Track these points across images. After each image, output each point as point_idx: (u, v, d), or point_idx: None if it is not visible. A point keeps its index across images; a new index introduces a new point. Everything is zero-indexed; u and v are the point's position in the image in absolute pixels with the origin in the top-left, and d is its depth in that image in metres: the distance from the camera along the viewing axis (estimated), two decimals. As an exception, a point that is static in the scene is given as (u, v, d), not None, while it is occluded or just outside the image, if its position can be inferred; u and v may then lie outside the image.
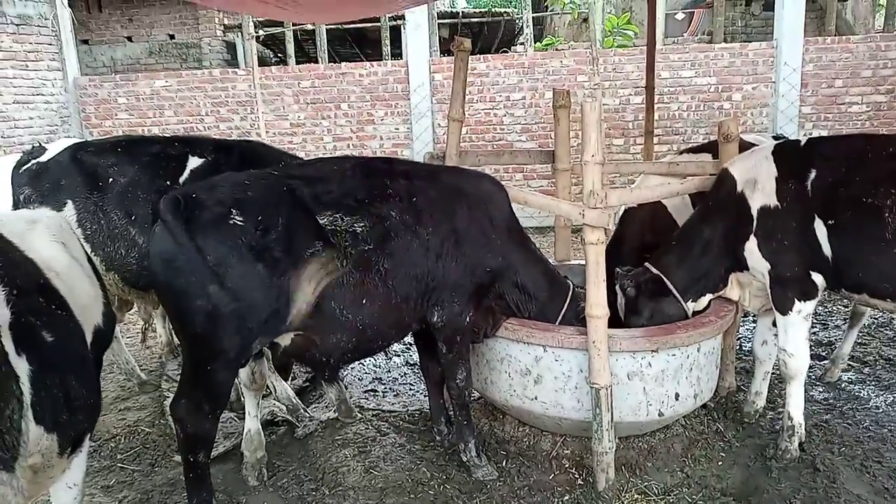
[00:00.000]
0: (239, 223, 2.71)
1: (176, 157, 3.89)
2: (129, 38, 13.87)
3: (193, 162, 3.88)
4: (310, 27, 13.12)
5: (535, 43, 13.05)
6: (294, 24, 12.46)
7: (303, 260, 2.78)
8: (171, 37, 13.80)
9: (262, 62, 12.96)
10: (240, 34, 12.77)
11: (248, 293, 2.69)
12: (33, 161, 3.90)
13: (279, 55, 15.01)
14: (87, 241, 3.74)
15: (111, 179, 3.80)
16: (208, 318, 2.67)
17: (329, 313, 2.90)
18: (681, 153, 5.16)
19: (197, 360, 2.80)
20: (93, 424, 2.42)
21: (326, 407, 4.33)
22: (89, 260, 2.66)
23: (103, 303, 2.57)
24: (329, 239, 2.86)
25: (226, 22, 13.90)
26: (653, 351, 3.37)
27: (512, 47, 15.61)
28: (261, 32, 11.81)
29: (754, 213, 3.46)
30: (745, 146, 4.03)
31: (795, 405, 3.55)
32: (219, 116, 10.52)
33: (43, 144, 4.11)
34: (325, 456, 3.74)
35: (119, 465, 3.75)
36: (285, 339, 2.97)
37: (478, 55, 10.55)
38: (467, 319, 3.34)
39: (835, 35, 12.46)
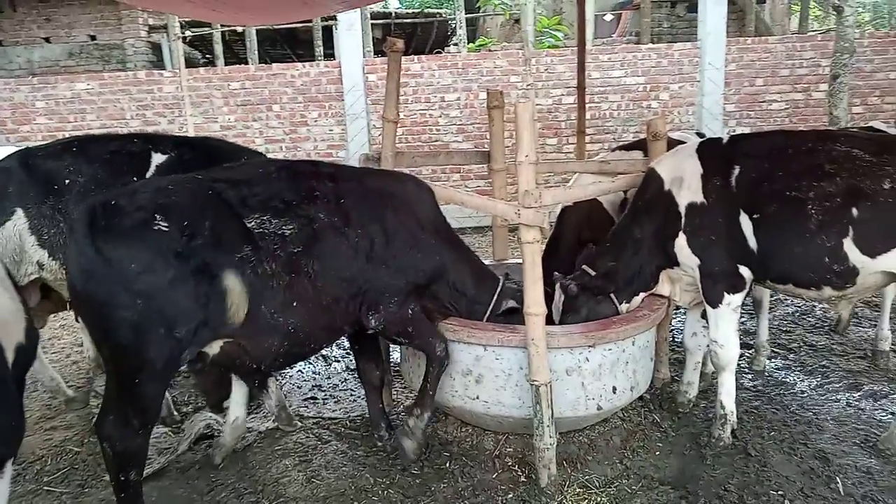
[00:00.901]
0: (163, 229, 2.61)
1: (138, 154, 3.79)
2: (47, 40, 13.29)
3: (157, 158, 3.79)
4: (239, 28, 12.85)
5: (468, 44, 13.13)
6: (222, 25, 12.18)
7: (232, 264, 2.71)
8: (93, 38, 13.28)
9: (190, 63, 12.61)
10: (165, 35, 12.40)
11: (175, 301, 2.60)
12: None
13: (207, 56, 14.66)
14: (45, 247, 3.58)
15: (69, 181, 3.63)
16: (134, 329, 2.56)
17: (259, 317, 2.83)
18: (613, 150, 5.27)
19: (123, 374, 2.68)
20: (15, 450, 2.29)
21: (265, 417, 4.24)
22: (9, 275, 2.51)
23: (25, 319, 2.44)
24: (257, 242, 2.80)
25: (150, 22, 13.47)
26: (590, 346, 3.43)
27: (445, 48, 15.67)
28: (187, 33, 11.49)
29: (682, 210, 3.56)
30: (673, 144, 4.14)
31: (727, 394, 3.66)
32: (145, 120, 10.18)
33: None
34: (264, 467, 3.66)
35: (45, 487, 3.56)
36: (213, 348, 2.88)
37: (412, 56, 10.54)
38: (409, 313, 3.32)
39: (754, 36, 12.99)
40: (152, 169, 3.77)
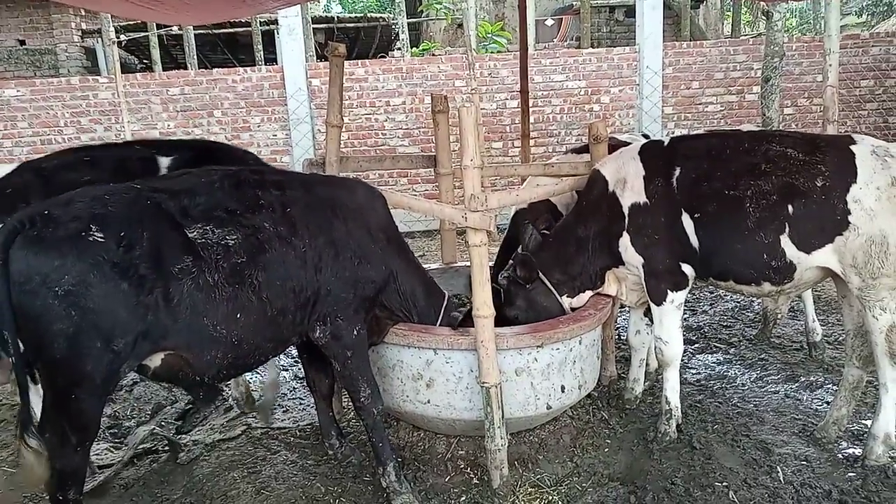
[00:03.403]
0: (99, 240, 2.52)
1: (146, 159, 3.82)
2: (-28, 44, 12.71)
3: (164, 161, 3.82)
4: (176, 31, 12.57)
5: (412, 48, 13.14)
6: (158, 27, 11.89)
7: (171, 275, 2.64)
8: (22, 42, 12.78)
9: (126, 69, 12.27)
10: (100, 39, 12.02)
11: (112, 314, 2.51)
12: None
13: (145, 61, 14.30)
14: None
15: None
16: (69, 343, 2.47)
17: (201, 329, 2.75)
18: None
19: (59, 389, 2.58)
20: None
21: (212, 429, 4.14)
22: None
23: None
24: (199, 252, 2.73)
25: (83, 27, 13.04)
26: (538, 346, 3.46)
27: (389, 52, 15.63)
28: (123, 37, 11.16)
29: (626, 210, 3.63)
30: (619, 146, 4.22)
31: (672, 389, 3.75)
32: (79, 127, 9.84)
33: None
34: (212, 481, 3.57)
35: (-23, 511, 3.42)
36: (155, 360, 2.79)
37: (356, 60, 10.49)
38: (354, 333, 3.25)
39: (690, 40, 13.38)
40: (163, 172, 3.81)
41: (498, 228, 6.37)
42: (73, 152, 3.93)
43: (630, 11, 13.86)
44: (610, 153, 4.01)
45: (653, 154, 3.68)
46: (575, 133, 10.14)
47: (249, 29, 12.70)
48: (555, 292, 3.84)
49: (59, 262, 2.45)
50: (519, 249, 4.11)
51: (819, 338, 4.83)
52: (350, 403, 4.37)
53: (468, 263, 3.42)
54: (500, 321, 3.56)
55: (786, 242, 3.29)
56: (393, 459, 3.36)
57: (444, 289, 3.83)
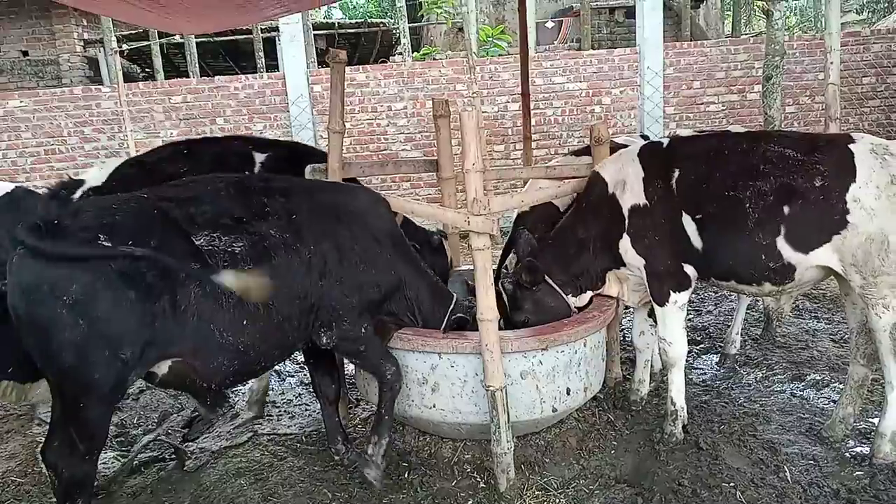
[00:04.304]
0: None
1: (242, 154, 4.08)
2: (-25, 56, 12.77)
3: (259, 157, 4.11)
4: (178, 39, 12.61)
5: (413, 53, 13.16)
6: (160, 36, 11.94)
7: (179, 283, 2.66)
8: (25, 53, 12.84)
9: (129, 78, 12.30)
10: (102, 49, 12.06)
11: (120, 322, 2.53)
12: (87, 189, 3.76)
13: (147, 70, 14.33)
14: None
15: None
16: (77, 352, 2.48)
17: (208, 336, 2.77)
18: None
19: (68, 398, 2.60)
20: None
21: (218, 436, 4.15)
22: None
23: None
24: (206, 260, 2.75)
25: (85, 37, 13.09)
26: (542, 349, 3.46)
27: (390, 57, 15.67)
28: (125, 46, 11.21)
29: (625, 212, 3.64)
30: (616, 148, 4.22)
31: (677, 390, 3.74)
32: (83, 137, 9.91)
33: (73, 176, 4.02)
34: (219, 488, 3.58)
35: (-14, 522, 3.43)
36: (162, 368, 2.81)
37: (357, 66, 10.52)
38: (362, 331, 3.29)
39: (690, 40, 13.37)
40: (257, 167, 4.10)
41: (501, 231, 6.39)
42: (174, 146, 4.21)
43: (630, 12, 13.85)
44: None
45: (652, 155, 3.69)
46: (577, 135, 10.15)
47: (251, 36, 12.73)
48: (560, 292, 3.84)
49: (68, 271, 2.47)
50: (511, 255, 4.12)
51: (734, 350, 4.76)
52: (355, 409, 4.40)
53: (471, 267, 3.42)
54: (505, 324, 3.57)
55: (785, 243, 3.28)
56: (388, 436, 3.45)
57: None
